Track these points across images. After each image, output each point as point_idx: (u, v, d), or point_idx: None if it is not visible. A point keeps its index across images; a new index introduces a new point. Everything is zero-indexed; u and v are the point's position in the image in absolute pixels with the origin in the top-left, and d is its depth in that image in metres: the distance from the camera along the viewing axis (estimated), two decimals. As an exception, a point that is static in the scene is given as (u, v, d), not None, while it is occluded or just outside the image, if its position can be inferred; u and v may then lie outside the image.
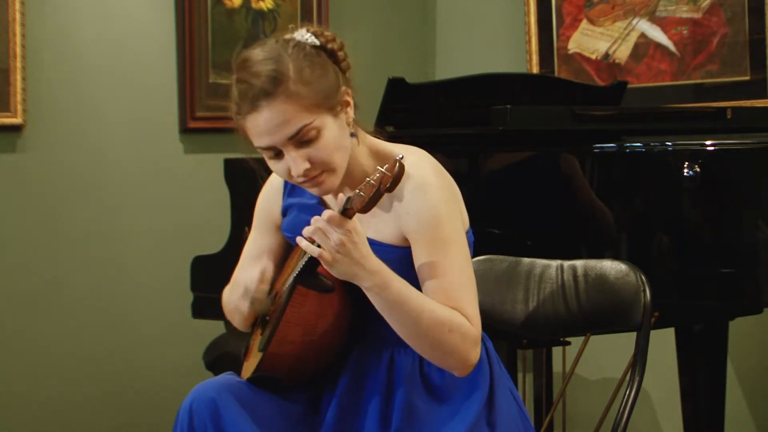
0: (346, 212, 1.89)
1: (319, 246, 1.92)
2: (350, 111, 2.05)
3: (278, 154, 2.01)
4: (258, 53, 2.01)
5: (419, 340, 1.99)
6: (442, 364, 2.03)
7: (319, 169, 2.00)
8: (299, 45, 2.02)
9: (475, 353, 2.01)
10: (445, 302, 1.99)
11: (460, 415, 2.04)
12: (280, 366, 2.08)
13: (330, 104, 2.00)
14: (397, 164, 1.85)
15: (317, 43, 2.04)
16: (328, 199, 2.12)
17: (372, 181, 1.86)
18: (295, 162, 1.99)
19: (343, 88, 2.04)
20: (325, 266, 1.94)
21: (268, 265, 2.11)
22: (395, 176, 1.84)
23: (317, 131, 1.98)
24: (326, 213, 1.90)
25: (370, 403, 2.07)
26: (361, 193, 1.87)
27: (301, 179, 2.01)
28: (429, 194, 2.01)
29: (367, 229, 2.03)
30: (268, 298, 2.10)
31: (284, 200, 2.20)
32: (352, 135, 2.06)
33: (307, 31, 2.04)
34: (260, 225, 2.26)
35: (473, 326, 2.01)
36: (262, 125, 1.98)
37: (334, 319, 2.05)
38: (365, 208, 1.87)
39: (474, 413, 2.04)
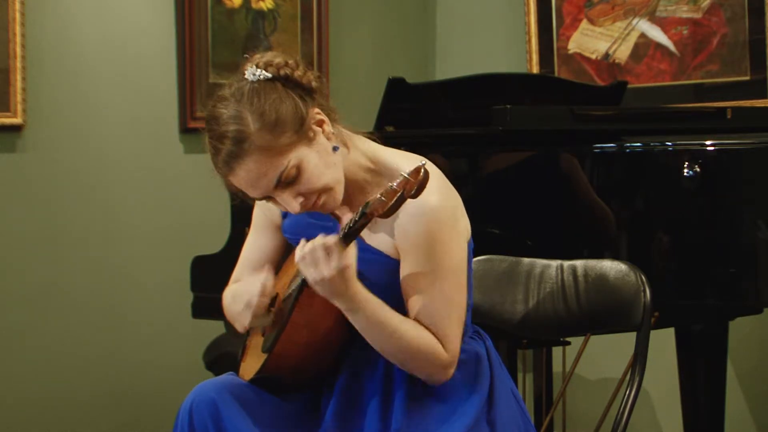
0: (365, 216, 1.88)
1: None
2: (326, 127, 2.02)
3: (271, 198, 2.02)
4: (219, 112, 2.00)
5: (387, 356, 2.04)
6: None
7: (314, 196, 2.01)
8: (252, 86, 1.99)
9: (443, 375, 2.04)
10: (424, 324, 2.02)
11: (460, 413, 2.04)
12: (284, 366, 2.08)
13: (300, 136, 1.98)
14: (422, 171, 1.83)
15: (269, 75, 2.00)
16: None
17: (395, 186, 1.85)
18: (288, 203, 2.00)
19: (311, 109, 2.01)
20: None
21: (268, 277, 2.10)
22: (420, 183, 1.83)
23: (297, 168, 1.98)
24: (332, 240, 1.91)
25: (370, 401, 2.07)
26: (383, 198, 1.85)
27: (300, 212, 2.02)
28: (429, 221, 2.00)
29: (367, 235, 2.04)
30: (267, 313, 2.10)
31: (284, 202, 2.20)
32: (336, 148, 2.03)
33: (257, 66, 2.01)
34: (259, 226, 2.26)
35: (447, 352, 2.03)
36: (243, 183, 2.00)
37: (337, 320, 2.05)
38: (386, 214, 1.86)
39: (473, 411, 2.04)
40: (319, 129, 2.01)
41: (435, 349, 2.01)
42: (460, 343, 2.06)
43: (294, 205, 2.00)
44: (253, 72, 2.01)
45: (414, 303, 2.02)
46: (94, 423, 4.04)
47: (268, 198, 2.02)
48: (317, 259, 1.92)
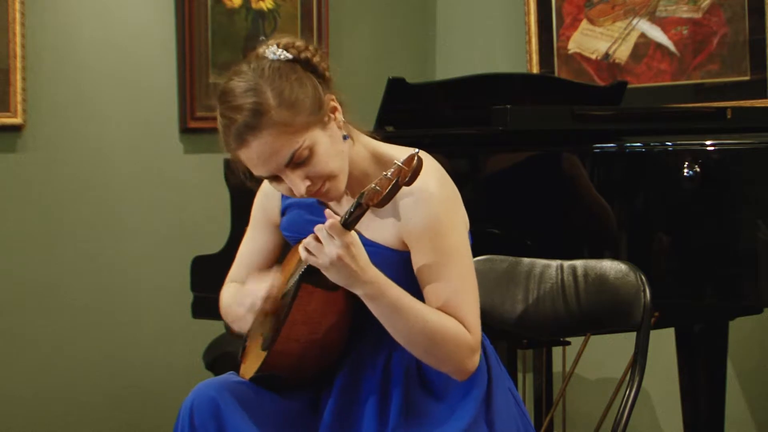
0: (360, 206, 1.88)
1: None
2: (338, 115, 2.04)
3: (277, 178, 2.01)
4: (237, 85, 1.99)
5: (412, 346, 2.01)
6: (440, 369, 2.05)
7: (321, 181, 2.00)
8: (273, 65, 1.99)
9: (471, 361, 2.03)
10: (445, 310, 2.01)
11: (458, 413, 2.04)
12: (283, 364, 2.08)
13: (316, 118, 1.99)
14: (416, 158, 1.84)
15: (290, 56, 2.01)
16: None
17: (389, 175, 1.85)
18: (295, 184, 1.99)
19: (327, 95, 2.02)
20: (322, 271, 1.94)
21: (276, 277, 2.09)
22: (414, 170, 1.84)
23: (309, 150, 1.98)
24: (328, 222, 1.90)
25: (368, 401, 2.07)
26: (377, 187, 1.86)
27: (305, 195, 2.01)
28: (431, 206, 2.00)
29: (366, 229, 2.03)
30: (265, 317, 2.09)
31: (283, 200, 2.20)
32: (345, 137, 2.04)
33: (278, 46, 2.02)
34: (257, 224, 2.26)
35: (471, 334, 2.02)
36: (254, 158, 1.98)
37: (338, 317, 2.05)
38: (381, 203, 1.87)
39: (471, 411, 2.04)
40: (332, 116, 2.02)
41: (460, 332, 2.00)
42: (480, 326, 2.05)
43: (301, 186, 1.99)
44: (273, 51, 2.01)
45: (429, 290, 2.02)
46: (94, 423, 4.04)
47: (274, 177, 2.01)
48: (322, 240, 1.91)
